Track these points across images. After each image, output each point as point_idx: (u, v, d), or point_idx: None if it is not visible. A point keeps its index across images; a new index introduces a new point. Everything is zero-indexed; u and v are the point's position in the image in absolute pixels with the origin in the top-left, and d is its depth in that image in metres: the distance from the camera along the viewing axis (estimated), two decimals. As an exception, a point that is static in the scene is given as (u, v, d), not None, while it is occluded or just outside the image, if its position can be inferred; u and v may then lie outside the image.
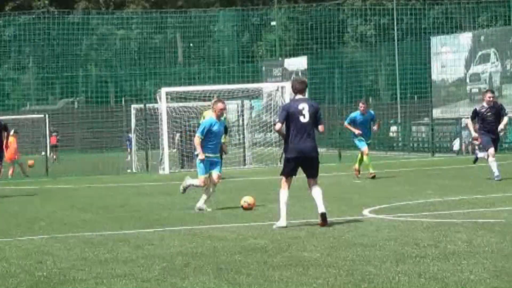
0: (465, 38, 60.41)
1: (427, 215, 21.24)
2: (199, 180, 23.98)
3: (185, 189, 24.80)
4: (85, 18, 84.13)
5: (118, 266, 14.59)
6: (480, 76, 56.43)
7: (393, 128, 65.19)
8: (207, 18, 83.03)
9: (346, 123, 34.67)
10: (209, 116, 24.59)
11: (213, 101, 24.96)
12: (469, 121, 30.48)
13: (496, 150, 29.89)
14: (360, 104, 34.32)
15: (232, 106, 48.67)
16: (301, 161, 18.91)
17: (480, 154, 30.96)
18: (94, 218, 23.88)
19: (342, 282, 12.51)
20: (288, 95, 50.69)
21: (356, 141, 34.12)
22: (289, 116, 18.83)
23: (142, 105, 51.92)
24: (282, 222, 18.90)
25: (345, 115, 62.43)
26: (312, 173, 19.09)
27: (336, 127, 58.61)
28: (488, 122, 29.21)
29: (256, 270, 13.73)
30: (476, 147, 32.16)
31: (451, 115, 58.78)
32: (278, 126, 19.49)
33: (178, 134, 48.23)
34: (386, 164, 44.46)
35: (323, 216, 18.72)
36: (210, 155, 23.61)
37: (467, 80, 57.06)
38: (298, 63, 74.33)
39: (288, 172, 19.12)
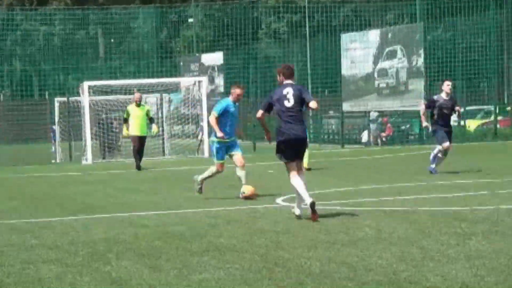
0: (373, 35, 60.87)
1: (338, 203, 21.40)
2: (214, 167, 22.84)
3: (200, 188, 23.27)
4: (10, 14, 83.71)
5: (44, 252, 14.67)
6: (387, 71, 56.92)
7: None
8: (127, 15, 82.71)
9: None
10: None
11: (232, 86, 23.50)
12: (422, 109, 28.36)
13: (450, 142, 28.22)
14: None
15: (151, 99, 48.72)
16: (291, 144, 17.86)
17: (432, 166, 28.54)
18: (20, 206, 23.75)
19: (257, 267, 12.70)
20: (204, 88, 50.97)
21: None
22: (275, 102, 18.04)
23: (65, 99, 52.03)
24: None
25: (258, 108, 62.77)
26: (299, 156, 18.21)
27: (251, 120, 58.77)
28: (445, 114, 27.70)
29: (175, 256, 13.92)
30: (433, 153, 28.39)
31: (360, 108, 59.26)
32: (259, 113, 18.84)
33: (95, 127, 48.27)
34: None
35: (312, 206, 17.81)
36: (226, 139, 22.38)
37: (375, 75, 57.53)
38: (214, 59, 74.40)
39: (288, 157, 18.07)
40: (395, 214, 18.85)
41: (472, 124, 60.14)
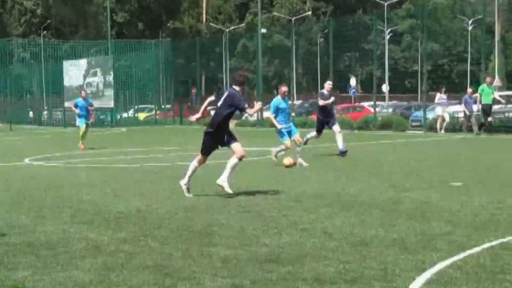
0: (83, 62, 60.11)
1: (65, 162, 20.77)
2: (284, 145, 18.22)
3: (276, 155, 18.56)
4: None
5: None
6: (91, 83, 56.44)
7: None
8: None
9: (72, 107, 29.63)
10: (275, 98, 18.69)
11: (279, 85, 19.24)
12: (321, 101, 21.55)
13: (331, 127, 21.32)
14: (83, 93, 30.11)
15: None
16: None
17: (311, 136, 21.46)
18: None
19: (52, 203, 12.26)
20: None
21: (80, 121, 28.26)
22: None
23: None
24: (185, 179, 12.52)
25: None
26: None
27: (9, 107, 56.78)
28: (327, 105, 21.12)
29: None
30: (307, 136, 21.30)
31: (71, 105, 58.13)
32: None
33: None
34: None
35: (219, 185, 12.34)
36: (284, 125, 18.23)
37: (85, 86, 56.73)
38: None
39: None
40: (98, 167, 18.59)
41: (141, 116, 60.63)
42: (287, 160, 15.93)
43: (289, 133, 18.27)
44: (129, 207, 11.25)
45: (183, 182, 12.52)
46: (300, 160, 17.96)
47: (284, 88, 18.65)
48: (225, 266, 7.10)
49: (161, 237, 8.73)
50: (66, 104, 57.34)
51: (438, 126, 34.11)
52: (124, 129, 48.24)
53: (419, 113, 39.23)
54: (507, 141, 27.20)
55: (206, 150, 12.60)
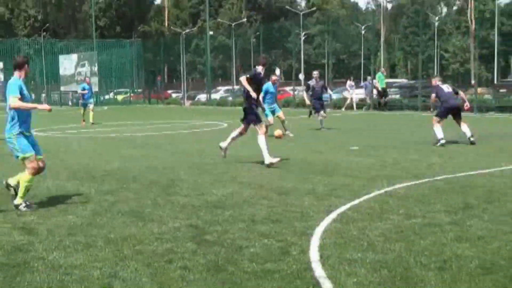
0: (74, 56, 58.62)
1: (61, 133, 20.25)
2: (268, 121, 15.94)
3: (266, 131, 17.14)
4: None
5: None
6: (81, 72, 54.99)
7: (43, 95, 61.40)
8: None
9: (80, 91, 26.92)
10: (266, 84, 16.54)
11: (272, 75, 17.08)
12: (304, 93, 20.48)
13: (324, 111, 20.26)
14: (87, 80, 28.00)
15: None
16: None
17: (316, 116, 20.06)
18: None
19: (52, 165, 11.94)
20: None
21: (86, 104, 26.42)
22: None
23: None
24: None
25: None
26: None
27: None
28: (317, 91, 19.56)
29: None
30: (313, 112, 20.28)
31: (71, 88, 56.64)
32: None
33: None
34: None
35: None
36: (271, 106, 16.75)
37: (76, 74, 55.37)
38: (-3, 65, 68.12)
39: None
40: (87, 137, 18.05)
41: (119, 97, 59.49)
42: (277, 132, 15.46)
43: (273, 112, 17.18)
44: (111, 167, 11.06)
45: (267, 160, 10.80)
46: (287, 131, 17.01)
47: (274, 77, 17.10)
48: (183, 211, 7.03)
49: (135, 189, 8.62)
50: (62, 88, 56.15)
51: (344, 105, 34.37)
52: (105, 108, 47.38)
53: (326, 95, 39.34)
54: (392, 116, 27.63)
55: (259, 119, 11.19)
